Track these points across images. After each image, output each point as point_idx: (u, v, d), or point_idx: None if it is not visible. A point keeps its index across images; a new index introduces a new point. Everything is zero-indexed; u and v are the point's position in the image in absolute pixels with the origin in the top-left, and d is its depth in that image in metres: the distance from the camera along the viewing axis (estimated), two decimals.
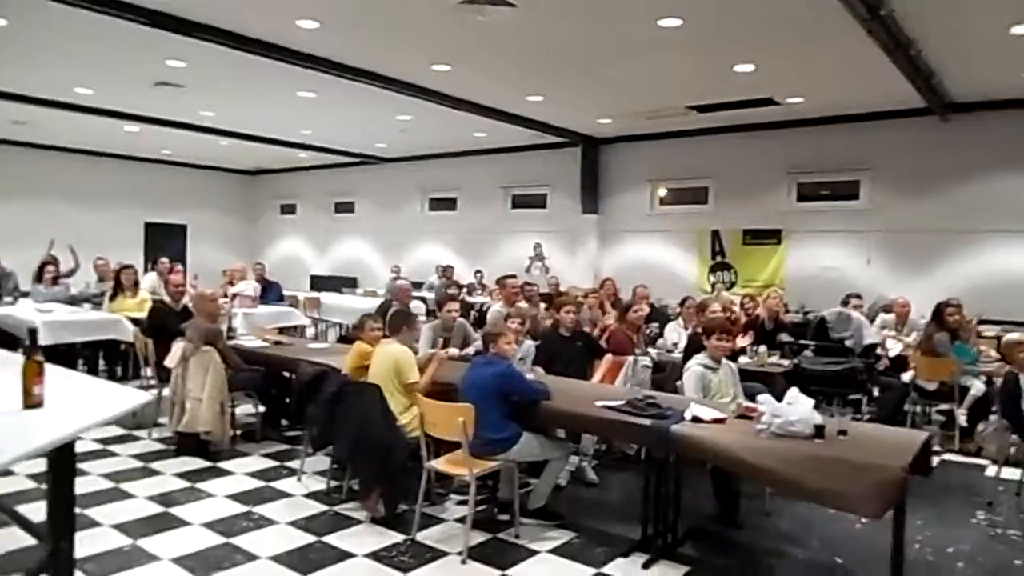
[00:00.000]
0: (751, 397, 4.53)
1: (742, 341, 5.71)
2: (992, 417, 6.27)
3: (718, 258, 11.87)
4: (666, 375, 5.83)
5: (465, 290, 11.84)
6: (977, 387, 6.33)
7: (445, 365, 4.97)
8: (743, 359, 5.87)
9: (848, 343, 6.12)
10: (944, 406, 6.58)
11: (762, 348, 5.99)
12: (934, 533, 4.33)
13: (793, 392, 3.69)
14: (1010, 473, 5.20)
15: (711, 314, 5.91)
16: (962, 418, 6.22)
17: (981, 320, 7.78)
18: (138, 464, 5.34)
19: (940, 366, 6.33)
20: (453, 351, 5.54)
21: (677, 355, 6.24)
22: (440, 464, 4.15)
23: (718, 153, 11.60)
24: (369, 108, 10.64)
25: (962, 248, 9.74)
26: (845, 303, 7.29)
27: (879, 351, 6.49)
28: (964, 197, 9.67)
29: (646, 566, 3.82)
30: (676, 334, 6.92)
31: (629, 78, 8.67)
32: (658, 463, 4.01)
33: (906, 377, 6.50)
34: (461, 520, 4.26)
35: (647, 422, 3.76)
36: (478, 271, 13.37)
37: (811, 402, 3.58)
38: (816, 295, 9.44)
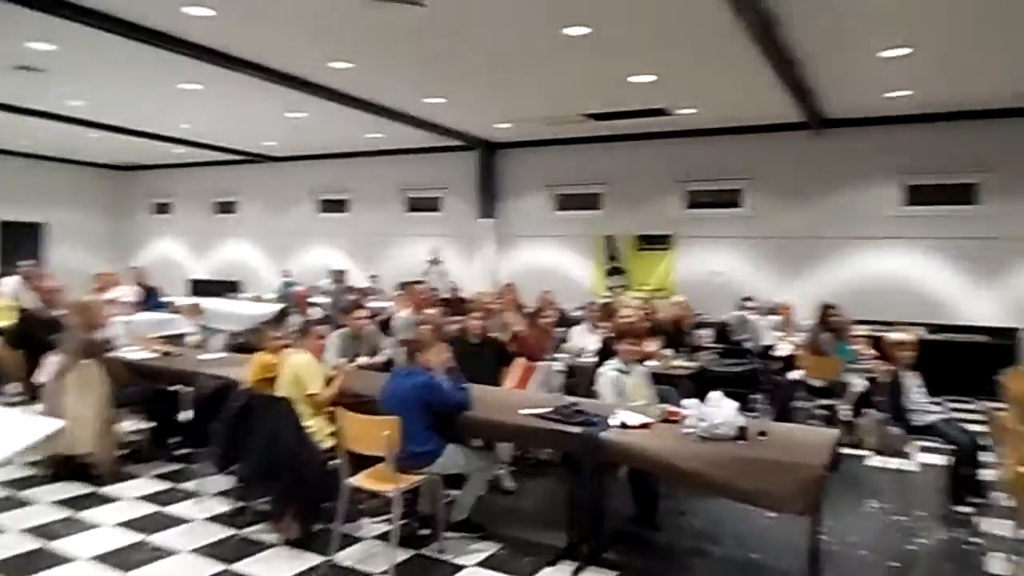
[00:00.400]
0: (662, 400, 4.64)
1: (651, 345, 5.84)
2: (871, 411, 6.77)
3: (612, 263, 12.17)
4: (577, 380, 5.88)
5: (361, 295, 11.50)
6: (859, 383, 6.81)
7: (358, 376, 4.77)
8: (650, 363, 6.01)
9: (747, 345, 6.42)
10: (828, 401, 7.04)
11: (668, 352, 6.16)
12: (835, 523, 4.56)
13: (715, 395, 3.79)
14: (890, 462, 5.61)
15: (622, 319, 6.01)
16: (847, 413, 6.66)
17: (854, 321, 8.38)
18: (5, 493, 4.78)
19: (826, 364, 6.76)
20: (363, 360, 5.33)
21: (586, 360, 6.31)
22: (362, 480, 3.96)
23: (613, 160, 11.90)
24: (259, 103, 10.11)
25: (834, 253, 10.49)
26: (741, 307, 7.64)
27: (774, 352, 6.84)
28: (834, 206, 10.42)
29: (575, 574, 3.80)
30: (583, 339, 7.00)
31: (530, 84, 8.72)
32: (580, 468, 4.00)
33: (794, 375, 6.89)
34: (382, 538, 4.09)
35: (577, 429, 3.75)
36: (373, 275, 13.05)
37: (734, 404, 3.69)
38: (705, 299, 9.86)
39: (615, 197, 12.09)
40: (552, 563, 3.91)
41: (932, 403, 5.49)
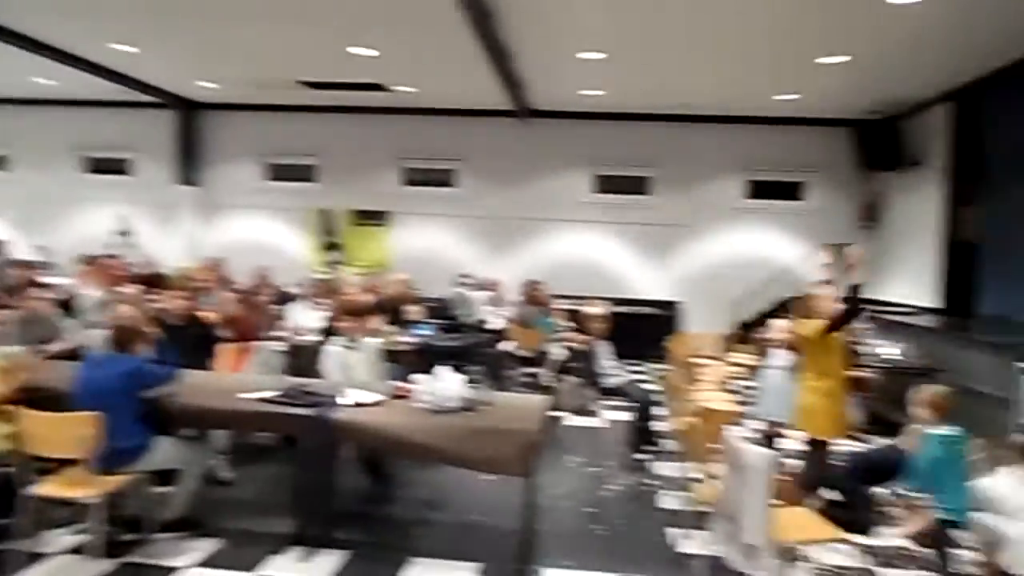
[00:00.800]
0: (392, 378, 4.72)
1: (375, 322, 5.85)
2: (567, 376, 7.58)
3: (329, 238, 11.90)
4: (299, 361, 5.69)
5: (28, 269, 9.74)
6: (559, 352, 7.57)
7: (41, 367, 4.08)
8: (372, 339, 6.03)
9: (465, 320, 6.76)
10: (533, 369, 7.72)
11: (392, 328, 6.22)
12: (541, 479, 5.06)
13: (443, 370, 3.95)
14: (582, 422, 6.36)
15: (345, 295, 5.93)
16: (547, 379, 7.37)
17: (555, 296, 9.29)
18: None
19: (531, 336, 7.41)
20: (54, 347, 4.57)
21: (308, 338, 6.13)
22: (51, 488, 3.41)
23: (329, 132, 11.59)
24: None
25: (538, 233, 11.47)
26: (458, 283, 8.00)
27: (487, 325, 7.30)
28: (538, 190, 11.39)
29: (304, 559, 3.72)
30: (303, 317, 6.78)
31: (239, 42, 8.11)
32: (309, 451, 3.91)
33: (505, 347, 7.44)
34: (76, 551, 3.58)
35: (306, 411, 3.65)
36: (41, 246, 11.13)
37: (460, 377, 3.89)
38: (421, 275, 10.14)
39: (331, 170, 11.81)
40: (278, 551, 3.77)
41: (617, 367, 6.33)
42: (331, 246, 11.87)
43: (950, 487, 3.50)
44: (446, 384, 3.79)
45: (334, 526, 4.02)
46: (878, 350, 6.66)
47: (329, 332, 5.36)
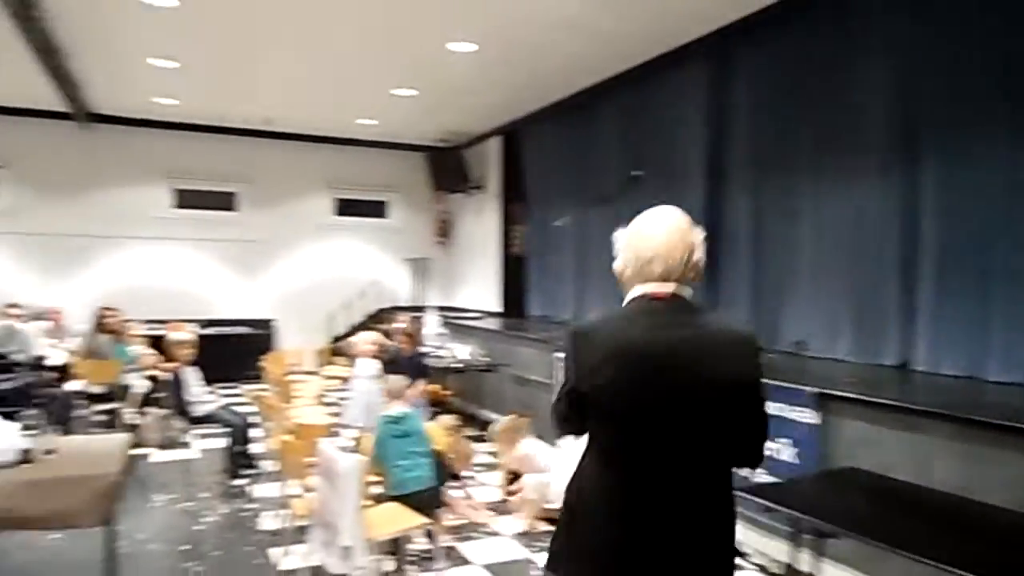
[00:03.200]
0: None
1: None
2: (151, 409, 6.97)
3: None
4: None
5: None
6: (141, 384, 6.90)
7: None
8: None
9: (17, 357, 5.71)
10: (110, 405, 6.89)
11: None
12: (125, 525, 4.59)
13: None
14: (171, 456, 5.94)
15: None
16: (132, 415, 6.67)
17: (133, 320, 8.40)
18: None
19: (106, 368, 6.61)
20: None
21: None
22: None
23: None
24: None
25: (108, 252, 10.20)
26: (5, 314, 6.72)
27: (47, 362, 6.27)
28: (106, 204, 10.14)
29: None
30: None
31: None
32: None
33: (72, 386, 6.50)
34: None
35: None
36: None
37: (15, 426, 3.34)
38: None
39: None
40: None
41: (208, 393, 6.05)
42: None
43: (393, 461, 3.97)
44: None
45: None
46: (455, 352, 7.55)
47: None
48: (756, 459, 1.91)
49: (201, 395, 5.90)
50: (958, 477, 3.26)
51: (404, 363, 6.12)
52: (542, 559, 4.18)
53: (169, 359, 5.97)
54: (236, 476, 5.66)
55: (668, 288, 1.82)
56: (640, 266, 1.84)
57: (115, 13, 5.93)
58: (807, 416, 3.96)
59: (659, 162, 7.12)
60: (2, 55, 6.92)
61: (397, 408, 4.22)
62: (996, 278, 4.26)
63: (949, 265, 4.52)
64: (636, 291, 1.86)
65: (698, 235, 1.89)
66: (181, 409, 5.75)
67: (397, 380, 4.43)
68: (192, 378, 5.86)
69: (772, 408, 4.07)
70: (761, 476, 4.19)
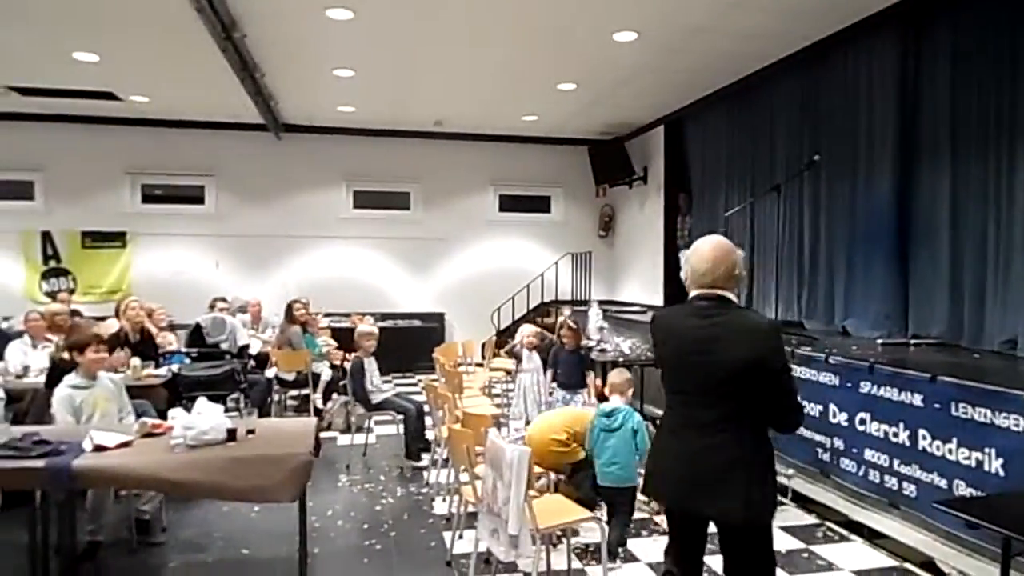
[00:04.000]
0: (139, 415, 4.38)
1: (117, 354, 5.36)
2: (336, 396, 7.53)
3: (52, 263, 10.54)
4: (25, 405, 5.04)
5: None
6: (326, 373, 7.49)
7: None
8: (112, 374, 5.50)
9: (224, 346, 6.42)
10: (300, 392, 7.55)
11: (135, 361, 5.73)
12: (315, 502, 5.01)
13: (201, 402, 3.78)
14: (356, 439, 6.38)
15: (78, 328, 5.34)
16: (318, 401, 7.27)
17: (320, 314, 9.15)
18: None
19: (296, 358, 7.23)
20: None
21: (32, 380, 5.44)
22: None
23: (49, 144, 10.25)
24: None
25: (295, 251, 11.17)
26: (212, 307, 7.55)
27: (249, 351, 6.99)
28: (295, 207, 11.10)
29: None
30: (22, 355, 5.98)
31: None
32: (47, 505, 3.53)
33: (269, 373, 7.17)
34: None
35: (39, 463, 3.27)
36: None
37: (220, 408, 3.74)
38: (167, 300, 9.38)
39: (52, 187, 10.47)
40: None
41: (385, 382, 6.43)
42: (55, 272, 10.53)
43: (604, 454, 4.21)
44: (203, 416, 3.62)
45: None
46: (619, 346, 7.48)
47: (57, 370, 4.80)
48: (782, 425, 2.52)
49: (379, 383, 6.29)
50: None
51: (567, 358, 6.16)
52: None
53: (353, 349, 6.38)
54: (415, 458, 5.97)
55: (713, 292, 2.51)
56: (696, 276, 2.55)
57: (303, 28, 6.44)
58: (1019, 424, 3.50)
59: (839, 146, 6.62)
60: (210, 75, 7.75)
61: (614, 402, 4.37)
62: None
63: None
64: (693, 293, 2.58)
65: (739, 255, 2.57)
66: (362, 396, 6.15)
67: (619, 374, 4.56)
68: (372, 367, 6.25)
69: (974, 413, 3.70)
70: (962, 489, 3.78)
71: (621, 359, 7.19)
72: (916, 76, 5.88)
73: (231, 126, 10.49)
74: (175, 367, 5.79)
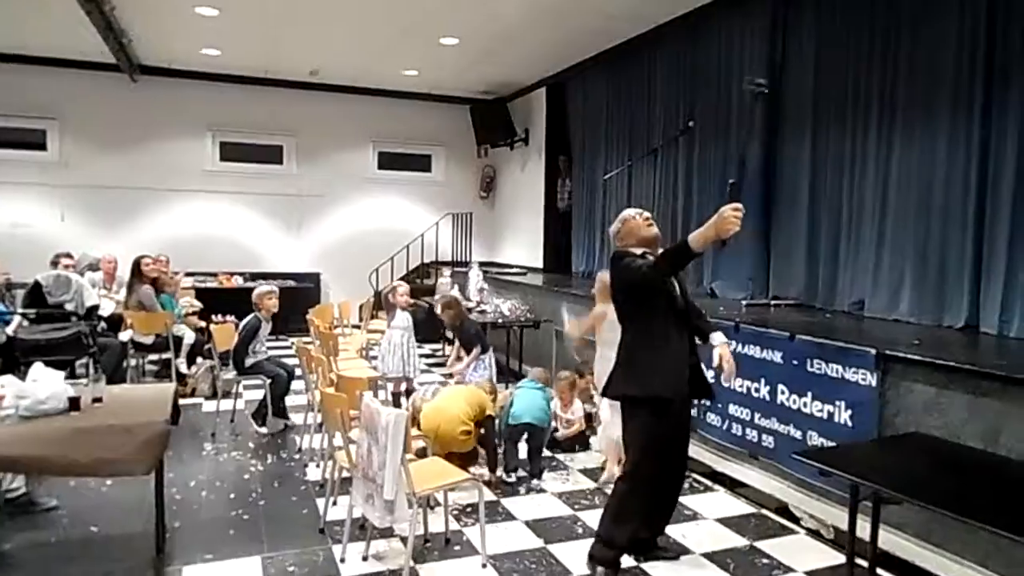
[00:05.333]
0: None
1: None
2: (200, 359, 7.09)
3: None
4: None
5: None
6: (189, 335, 7.02)
7: None
8: None
9: (69, 307, 5.82)
10: (159, 356, 7.04)
11: None
12: (176, 473, 4.70)
13: (37, 368, 3.41)
14: (223, 405, 6.03)
15: None
16: (182, 365, 6.81)
17: (187, 273, 8.53)
18: None
19: (154, 320, 6.72)
20: None
21: None
22: None
23: None
24: None
25: (155, 205, 10.35)
26: (55, 263, 6.86)
27: (100, 312, 6.39)
28: (155, 156, 10.25)
29: None
30: None
31: None
32: None
33: (124, 336, 6.62)
34: None
35: None
36: None
37: (60, 375, 3.39)
38: (3, 256, 8.45)
39: None
40: None
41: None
42: None
43: (527, 399, 4.94)
44: (39, 384, 3.27)
45: None
46: (499, 307, 7.48)
47: None
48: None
49: (263, 348, 5.94)
50: None
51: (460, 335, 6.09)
52: (586, 517, 4.15)
53: (257, 308, 5.92)
54: (283, 426, 5.73)
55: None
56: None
57: None
58: (865, 378, 3.78)
59: (712, 113, 6.83)
60: (50, 5, 6.92)
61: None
62: None
63: None
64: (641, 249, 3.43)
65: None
66: (239, 358, 5.79)
67: (543, 372, 5.40)
68: (266, 331, 5.90)
69: (827, 369, 3.96)
70: (815, 439, 4.05)
71: (500, 320, 7.22)
72: (784, 50, 6.13)
73: (77, 64, 9.46)
74: (9, 330, 5.20)
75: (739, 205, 2.93)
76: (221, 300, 8.76)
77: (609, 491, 3.69)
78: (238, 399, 6.28)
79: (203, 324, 7.36)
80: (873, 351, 3.76)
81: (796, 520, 4.16)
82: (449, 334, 6.10)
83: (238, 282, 10.05)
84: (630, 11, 6.88)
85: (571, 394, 5.48)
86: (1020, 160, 4.27)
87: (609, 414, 4.57)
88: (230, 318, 7.97)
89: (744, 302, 5.92)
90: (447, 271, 9.63)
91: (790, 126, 6.07)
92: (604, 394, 3.66)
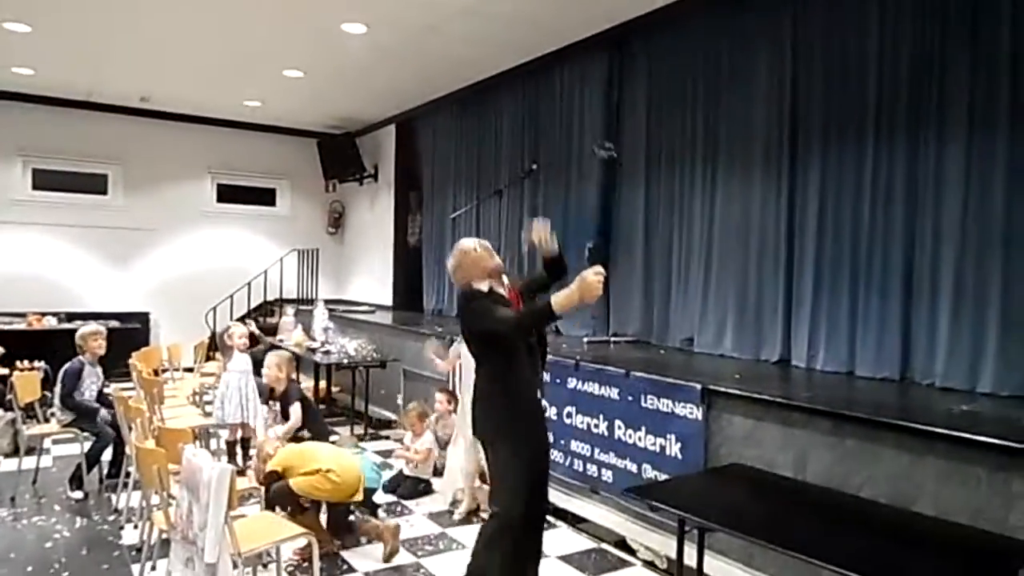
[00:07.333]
0: None
1: None
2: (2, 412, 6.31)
3: None
4: None
5: None
6: None
7: None
8: None
9: None
10: None
11: None
12: None
13: None
14: (25, 464, 5.36)
15: None
16: None
17: None
18: None
19: None
20: None
21: None
22: None
23: None
24: None
25: None
26: None
27: None
28: None
29: None
30: None
31: None
32: None
33: None
34: None
35: None
36: None
37: None
38: None
39: None
40: None
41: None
42: None
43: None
44: None
45: None
46: (345, 347, 7.25)
47: None
48: None
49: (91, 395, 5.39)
50: (831, 472, 3.35)
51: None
52: (429, 563, 4.05)
53: (83, 352, 5.38)
54: (79, 487, 5.14)
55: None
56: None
57: None
58: (692, 412, 3.99)
59: (555, 156, 7.08)
60: None
61: None
62: (867, 279, 4.45)
63: (826, 265, 4.69)
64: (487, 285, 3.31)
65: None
66: (73, 404, 5.22)
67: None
68: (97, 374, 5.40)
69: (659, 404, 4.15)
70: (649, 472, 4.21)
71: (346, 360, 7.00)
72: (620, 95, 6.49)
73: None
74: None
75: (600, 269, 2.96)
76: (30, 343, 7.92)
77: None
78: (44, 455, 5.62)
79: (4, 371, 6.56)
80: (699, 386, 3.99)
81: (633, 552, 4.29)
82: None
83: (51, 323, 9.05)
84: (473, 57, 7.03)
85: (421, 425, 5.50)
86: (821, 211, 4.75)
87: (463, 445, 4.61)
88: (39, 364, 7.24)
89: (586, 339, 6.11)
90: (291, 309, 9.23)
91: (626, 168, 6.40)
92: (474, 433, 3.48)
